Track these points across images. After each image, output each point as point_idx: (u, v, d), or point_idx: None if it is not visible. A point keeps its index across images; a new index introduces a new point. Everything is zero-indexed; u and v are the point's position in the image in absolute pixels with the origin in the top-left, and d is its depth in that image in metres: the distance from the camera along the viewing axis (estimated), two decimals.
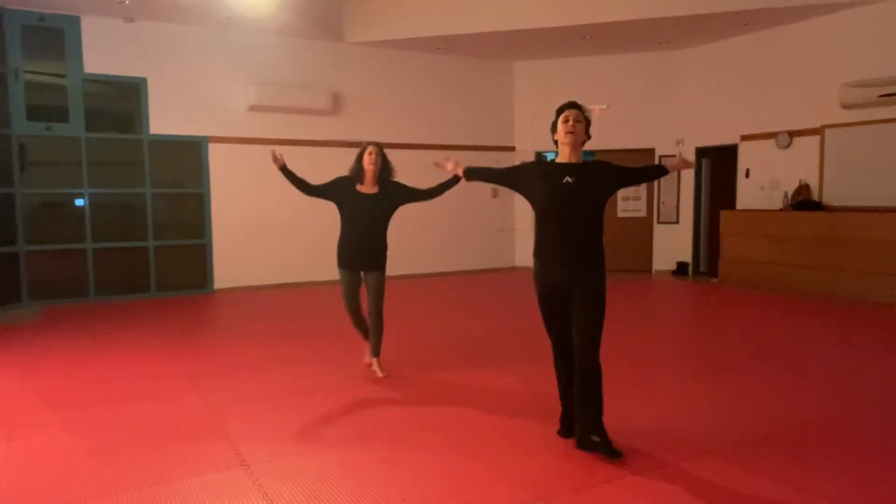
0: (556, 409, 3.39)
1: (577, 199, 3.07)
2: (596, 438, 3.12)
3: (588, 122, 3.20)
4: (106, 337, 5.94)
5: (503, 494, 2.75)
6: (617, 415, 3.68)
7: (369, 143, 4.39)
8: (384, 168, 4.38)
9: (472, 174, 3.52)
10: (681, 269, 9.92)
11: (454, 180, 4.12)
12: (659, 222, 10.30)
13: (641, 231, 10.42)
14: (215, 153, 8.51)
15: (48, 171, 7.81)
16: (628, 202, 10.54)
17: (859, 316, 6.68)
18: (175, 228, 8.43)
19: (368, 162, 4.31)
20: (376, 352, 4.57)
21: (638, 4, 7.95)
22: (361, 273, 4.46)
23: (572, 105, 3.19)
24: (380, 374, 4.51)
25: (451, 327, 6.33)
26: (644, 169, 3.33)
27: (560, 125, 3.16)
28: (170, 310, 7.35)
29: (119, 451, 3.26)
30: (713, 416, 3.70)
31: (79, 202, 7.87)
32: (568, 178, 3.07)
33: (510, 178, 3.38)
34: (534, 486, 2.82)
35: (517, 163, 3.29)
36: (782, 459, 3.08)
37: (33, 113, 7.56)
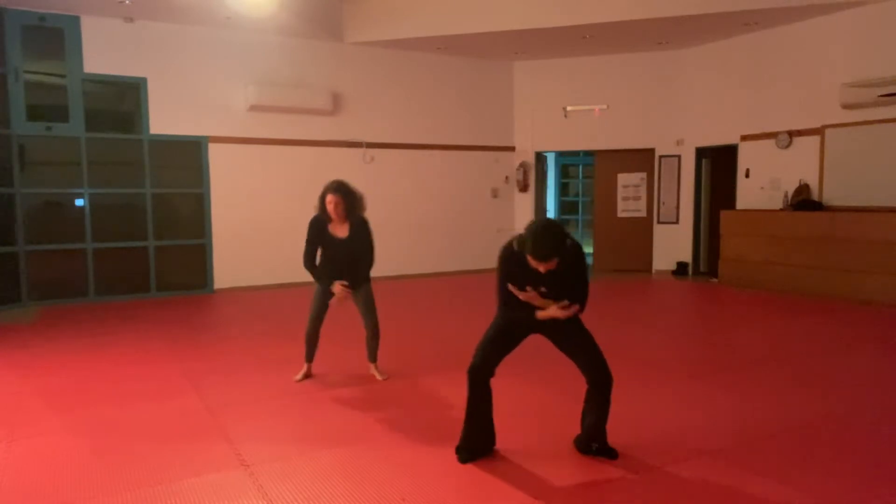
0: (556, 409, 3.39)
1: (552, 297, 2.96)
2: (595, 445, 3.13)
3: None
4: (106, 337, 5.94)
5: (502, 494, 2.75)
6: (617, 415, 3.68)
7: (329, 188, 4.23)
8: (351, 208, 4.30)
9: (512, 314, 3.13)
10: (681, 269, 9.92)
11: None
12: (659, 222, 10.30)
13: (641, 231, 10.42)
14: (215, 153, 8.51)
15: (48, 171, 7.81)
16: (628, 202, 10.54)
17: (859, 316, 6.68)
18: (175, 228, 8.43)
19: (331, 210, 4.22)
20: (373, 357, 4.60)
21: (638, 4, 7.94)
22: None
23: (550, 252, 2.79)
24: (379, 378, 4.53)
25: (450, 327, 6.33)
26: (577, 296, 3.00)
27: (533, 264, 2.86)
28: (170, 310, 7.35)
29: (119, 451, 3.26)
30: (713, 417, 3.70)
31: (79, 202, 7.87)
32: (543, 289, 2.96)
33: (511, 296, 3.04)
34: (533, 487, 2.82)
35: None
36: (782, 460, 3.08)
37: (33, 113, 7.56)
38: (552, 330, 3.08)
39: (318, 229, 4.34)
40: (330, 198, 4.20)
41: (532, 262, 2.86)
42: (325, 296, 4.44)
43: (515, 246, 2.93)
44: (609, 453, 3.12)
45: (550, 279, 2.93)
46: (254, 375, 4.62)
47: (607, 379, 3.06)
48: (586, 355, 3.06)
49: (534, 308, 3.00)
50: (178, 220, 8.46)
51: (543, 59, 10.38)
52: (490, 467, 3.02)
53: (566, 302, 2.95)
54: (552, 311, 2.94)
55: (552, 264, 2.82)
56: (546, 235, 2.80)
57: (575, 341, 3.08)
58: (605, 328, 6.38)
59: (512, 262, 2.98)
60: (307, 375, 4.56)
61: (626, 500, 2.71)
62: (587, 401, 3.15)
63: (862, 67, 7.55)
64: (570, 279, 3.00)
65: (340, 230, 4.33)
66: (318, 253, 4.41)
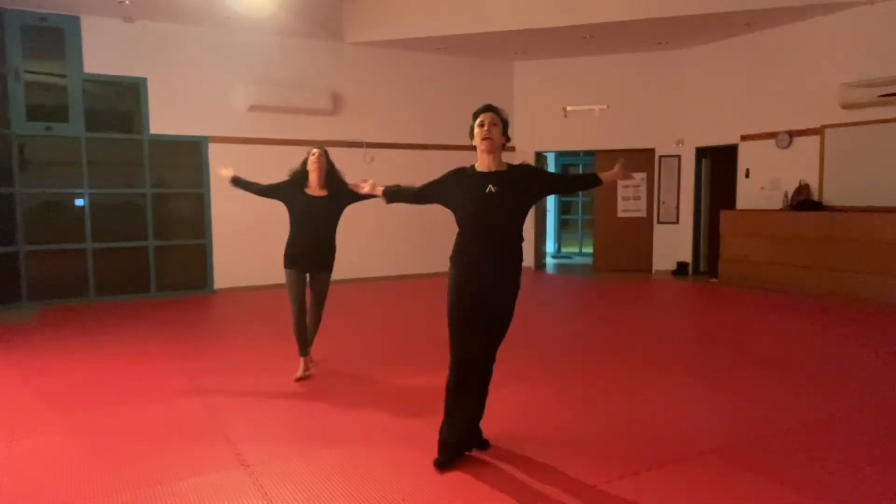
0: (556, 409, 3.38)
1: (499, 208, 2.96)
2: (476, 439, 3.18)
3: (506, 125, 3.08)
4: (106, 337, 5.94)
5: (502, 495, 2.75)
6: (617, 415, 3.69)
7: (314, 148, 4.38)
8: (331, 171, 4.35)
9: (392, 196, 3.37)
10: (681, 269, 9.92)
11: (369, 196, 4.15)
12: (659, 222, 10.30)
13: (641, 231, 10.42)
14: (215, 153, 8.50)
15: (48, 171, 7.81)
16: (628, 202, 10.54)
17: (859, 316, 6.68)
18: (175, 228, 8.43)
19: (312, 163, 4.27)
20: (305, 351, 4.50)
21: (638, 4, 7.95)
22: (307, 275, 4.45)
23: (487, 108, 3.09)
24: (299, 375, 4.46)
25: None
26: (575, 177, 3.25)
27: (476, 129, 3.05)
28: (170, 310, 7.35)
29: (119, 450, 3.26)
30: (713, 416, 3.70)
31: (79, 202, 7.87)
32: (490, 188, 2.96)
33: (430, 194, 3.21)
34: (533, 487, 2.82)
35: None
36: (782, 460, 3.08)
37: (33, 113, 7.56)
38: (490, 303, 2.99)
39: (293, 186, 4.33)
40: (315, 151, 4.30)
41: (477, 133, 3.05)
42: (299, 282, 4.41)
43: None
44: (481, 444, 3.15)
45: (500, 181, 2.98)
46: (254, 375, 4.62)
47: (488, 368, 3.07)
48: (488, 341, 3.03)
49: (411, 192, 3.27)
50: (178, 220, 8.46)
51: (543, 59, 10.38)
52: (490, 467, 3.02)
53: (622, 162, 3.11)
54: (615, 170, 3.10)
55: (492, 122, 3.03)
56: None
57: (491, 322, 3.01)
58: (605, 328, 6.39)
59: (460, 169, 3.14)
60: (306, 370, 4.53)
61: (626, 499, 2.71)
62: (469, 394, 3.07)
63: (862, 67, 7.55)
64: (526, 185, 3.06)
65: (318, 191, 4.34)
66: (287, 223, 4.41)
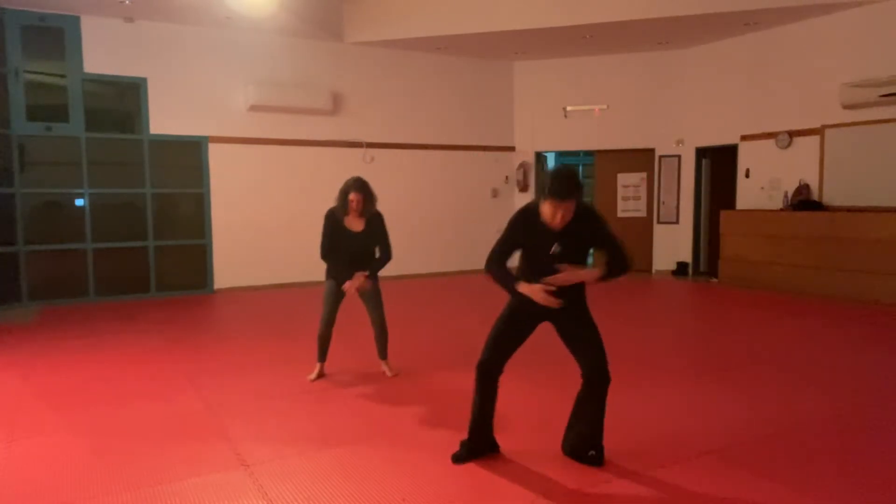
0: (555, 409, 3.38)
1: (565, 261, 2.95)
2: (592, 452, 3.06)
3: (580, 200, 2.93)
4: (106, 337, 5.94)
5: (503, 494, 2.75)
6: (617, 415, 3.68)
7: (352, 186, 4.37)
8: (368, 205, 4.46)
9: (496, 273, 3.07)
10: (681, 269, 9.91)
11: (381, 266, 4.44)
12: (659, 222, 10.29)
13: (641, 231, 10.42)
14: (215, 153, 8.51)
15: (48, 171, 7.81)
16: (628, 202, 10.54)
17: (859, 316, 6.68)
18: (175, 228, 8.43)
19: (353, 209, 4.39)
20: (383, 354, 4.67)
21: (638, 4, 7.95)
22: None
23: (566, 196, 2.82)
24: (389, 374, 4.61)
25: (450, 327, 6.33)
26: (614, 259, 3.01)
27: (549, 209, 2.86)
28: (170, 310, 7.35)
29: (119, 451, 3.26)
30: (713, 417, 3.70)
31: (79, 202, 7.87)
32: (556, 247, 2.95)
33: (509, 253, 3.06)
34: (533, 487, 2.82)
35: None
36: (782, 460, 3.08)
37: (33, 113, 7.56)
38: (560, 318, 3.02)
39: (333, 222, 4.46)
40: (353, 195, 4.36)
41: (548, 213, 2.86)
42: (337, 294, 4.49)
43: (539, 198, 2.93)
44: (598, 460, 3.04)
45: (563, 239, 2.93)
46: (254, 375, 4.62)
47: (605, 377, 3.00)
48: (588, 349, 3.01)
49: (515, 278, 2.97)
50: (178, 220, 8.46)
51: (543, 59, 10.38)
52: (491, 467, 3.02)
53: (562, 266, 2.91)
54: (559, 278, 2.88)
55: (567, 211, 2.83)
56: (564, 175, 2.87)
57: (580, 332, 3.03)
58: (605, 328, 6.38)
59: (526, 218, 2.99)
60: (320, 375, 4.57)
61: (626, 499, 2.71)
62: (579, 402, 3.09)
63: (862, 67, 7.55)
64: (589, 242, 3.03)
65: (356, 224, 4.46)
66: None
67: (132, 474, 2.98)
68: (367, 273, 4.39)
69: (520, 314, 3.05)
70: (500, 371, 3.08)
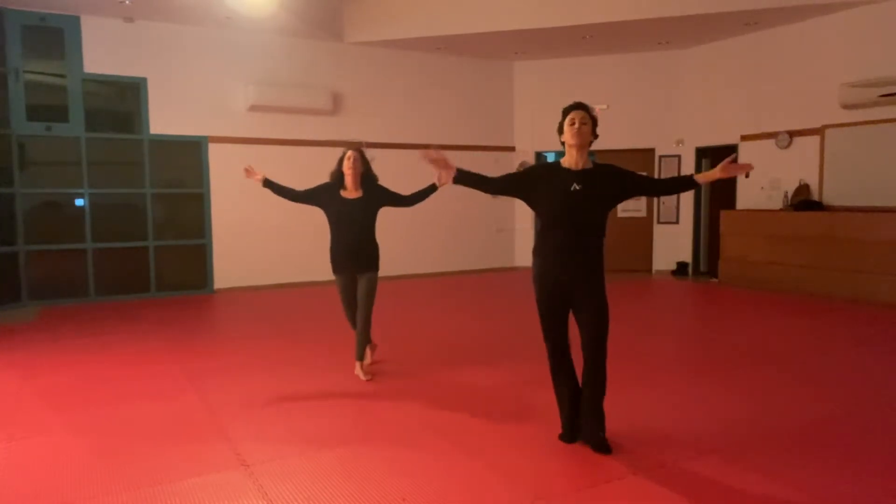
0: (555, 409, 3.38)
1: (583, 207, 3.03)
2: (601, 434, 3.18)
3: (595, 122, 3.15)
4: (106, 337, 5.94)
5: (503, 494, 2.75)
6: (617, 415, 3.68)
7: (348, 149, 4.38)
8: (366, 172, 4.39)
9: (463, 178, 3.25)
10: (681, 269, 9.91)
11: (432, 189, 4.28)
12: (659, 222, 10.30)
13: (641, 231, 10.42)
14: (215, 153, 8.51)
15: (48, 171, 7.81)
16: (628, 202, 10.53)
17: (859, 316, 6.68)
18: (175, 228, 8.43)
19: (348, 167, 4.32)
20: (360, 355, 4.48)
21: (638, 4, 7.94)
22: (356, 275, 4.45)
23: (578, 106, 3.14)
24: (363, 378, 4.43)
25: (450, 327, 6.32)
26: (666, 180, 3.23)
27: (567, 127, 3.11)
28: (170, 310, 7.35)
29: (119, 451, 3.26)
30: (713, 416, 3.70)
31: (79, 202, 7.87)
32: (575, 185, 3.03)
33: (512, 187, 3.24)
34: (534, 486, 2.82)
35: (517, 165, 3.16)
36: (783, 459, 3.08)
37: (33, 113, 7.56)
38: (578, 288, 3.10)
39: (329, 190, 4.37)
40: (350, 153, 4.33)
41: (567, 131, 3.10)
42: (349, 287, 4.43)
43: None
44: (605, 447, 3.14)
45: (585, 180, 3.04)
46: (254, 375, 4.62)
47: (599, 367, 3.12)
48: (591, 322, 3.09)
49: (487, 180, 3.20)
50: (178, 220, 8.46)
51: (543, 59, 10.38)
52: (490, 466, 3.02)
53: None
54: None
55: (584, 121, 3.07)
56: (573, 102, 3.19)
57: (590, 316, 3.10)
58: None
59: (546, 165, 3.23)
60: (367, 375, 4.44)
61: (626, 499, 2.71)
62: (583, 387, 3.20)
63: (862, 67, 7.55)
64: (611, 186, 3.10)
65: (353, 193, 4.37)
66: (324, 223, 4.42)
67: (132, 474, 2.98)
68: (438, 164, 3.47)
69: (546, 296, 3.15)
70: (567, 348, 3.21)
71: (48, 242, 7.74)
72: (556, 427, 3.36)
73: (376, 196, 4.42)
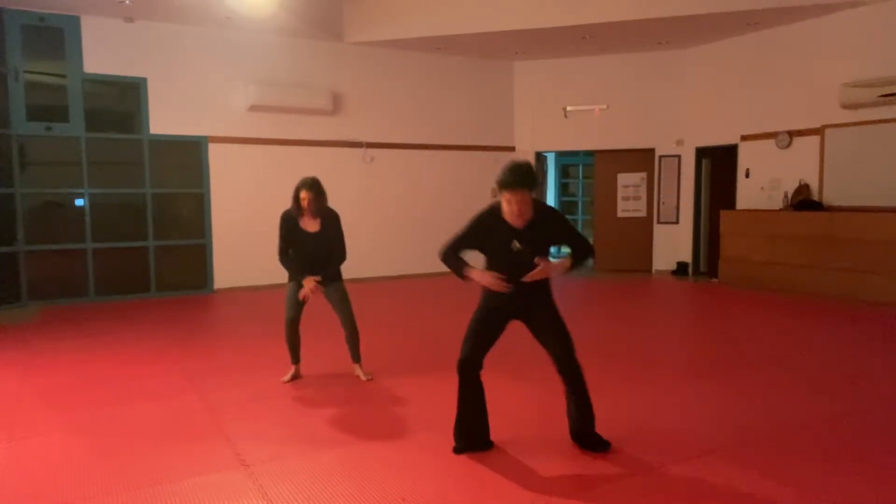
0: (556, 409, 3.38)
1: (526, 260, 3.04)
2: (588, 437, 3.21)
3: (534, 187, 3.00)
4: (106, 337, 5.94)
5: (503, 495, 2.75)
6: (617, 415, 3.68)
7: (302, 185, 4.38)
8: (321, 205, 4.42)
9: (448, 260, 3.24)
10: (681, 269, 9.91)
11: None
12: (659, 222, 10.29)
13: (641, 231, 10.42)
14: (215, 153, 8.51)
15: (48, 171, 7.81)
16: (628, 202, 10.54)
17: (859, 316, 6.68)
18: (175, 228, 8.43)
19: (304, 205, 4.37)
20: (356, 357, 4.57)
21: (638, 4, 7.94)
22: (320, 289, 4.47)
23: (518, 184, 2.92)
24: (363, 378, 4.50)
25: (450, 327, 6.31)
26: (577, 250, 3.18)
27: (504, 204, 3.01)
28: (170, 310, 7.35)
29: (119, 450, 3.26)
30: (713, 416, 3.70)
31: (79, 202, 7.87)
32: (516, 244, 3.06)
33: (465, 248, 3.21)
34: (534, 487, 2.82)
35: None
36: (783, 459, 3.08)
37: (33, 113, 7.56)
38: (529, 313, 3.16)
39: (289, 225, 4.46)
40: (303, 194, 4.36)
41: (505, 208, 2.99)
42: (298, 296, 4.46)
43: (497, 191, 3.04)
44: (602, 445, 3.18)
45: (526, 236, 3.05)
46: (254, 375, 4.62)
47: (575, 367, 3.13)
48: (557, 344, 3.13)
49: (465, 264, 3.14)
50: (178, 220, 8.46)
51: (543, 59, 10.38)
52: (490, 466, 3.02)
53: (538, 259, 3.03)
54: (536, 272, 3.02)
55: (523, 202, 2.94)
56: (517, 166, 2.97)
57: (548, 327, 3.15)
58: (605, 328, 6.39)
59: (489, 217, 3.12)
60: (295, 377, 4.55)
61: (626, 499, 2.71)
62: (566, 395, 3.23)
63: (862, 67, 7.55)
64: (550, 238, 3.16)
65: (311, 225, 4.44)
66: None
67: (132, 474, 2.98)
68: (318, 278, 4.31)
69: (491, 312, 3.17)
70: (479, 367, 3.17)
71: (48, 242, 7.74)
72: (556, 427, 3.36)
73: (330, 233, 4.46)
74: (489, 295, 3.17)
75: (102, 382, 4.49)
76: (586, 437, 3.21)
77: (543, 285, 3.16)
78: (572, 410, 3.22)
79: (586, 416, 3.19)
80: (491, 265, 3.16)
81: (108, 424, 3.65)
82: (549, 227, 3.12)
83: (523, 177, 2.93)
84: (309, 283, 4.33)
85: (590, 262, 3.26)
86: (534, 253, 3.05)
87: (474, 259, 3.18)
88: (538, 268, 3.01)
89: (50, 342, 5.72)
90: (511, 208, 2.99)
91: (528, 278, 3.02)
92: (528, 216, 3.02)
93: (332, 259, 4.45)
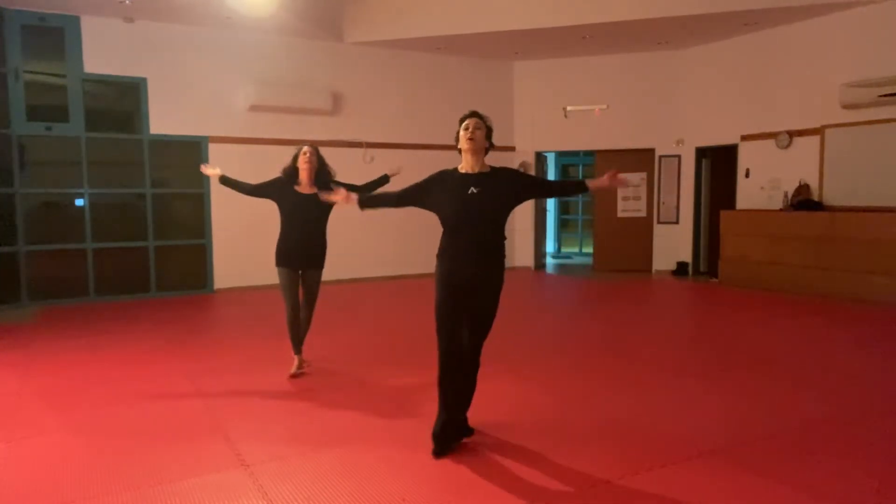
0: (556, 409, 3.38)
1: (482, 208, 3.08)
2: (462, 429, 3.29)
3: (489, 131, 3.21)
4: (106, 337, 5.94)
5: (503, 494, 2.75)
6: (616, 415, 3.69)
7: (304, 146, 4.42)
8: (321, 169, 4.42)
9: (367, 203, 3.41)
10: (681, 269, 9.92)
11: (384, 179, 4.54)
12: (659, 222, 10.30)
13: (641, 231, 10.42)
14: (215, 153, 8.50)
15: (48, 171, 7.81)
16: (628, 202, 10.54)
17: (859, 316, 6.68)
18: (175, 228, 8.42)
19: (303, 161, 4.35)
20: (299, 349, 4.57)
21: (638, 4, 7.95)
22: (300, 273, 4.51)
23: (473, 114, 3.22)
24: (293, 371, 4.50)
25: None
26: (561, 182, 3.34)
27: (461, 132, 3.17)
28: (170, 310, 7.35)
29: (119, 451, 3.26)
30: (713, 416, 3.70)
31: (79, 202, 7.87)
32: (473, 189, 3.09)
33: (411, 197, 3.27)
34: (534, 487, 2.82)
35: (517, 165, 3.21)
36: (782, 459, 3.08)
37: (33, 113, 7.56)
38: (475, 295, 3.14)
39: (283, 184, 4.41)
40: (305, 149, 4.38)
41: (462, 136, 3.14)
42: (292, 279, 4.48)
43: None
44: (467, 431, 3.28)
45: (483, 183, 3.10)
46: (254, 375, 4.62)
47: (475, 361, 3.21)
48: (473, 335, 3.17)
49: (391, 197, 3.30)
50: (178, 220, 8.46)
51: (543, 59, 10.38)
52: (490, 467, 3.02)
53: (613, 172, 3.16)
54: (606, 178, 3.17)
55: (478, 127, 3.13)
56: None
57: (478, 317, 3.16)
58: (605, 328, 6.39)
59: (443, 172, 3.24)
60: (300, 368, 4.56)
61: (626, 499, 2.71)
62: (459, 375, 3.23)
63: (862, 67, 7.55)
64: (508, 187, 3.17)
65: (307, 188, 4.42)
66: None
67: (132, 474, 2.98)
68: (340, 191, 3.62)
69: (449, 298, 3.14)
70: (460, 352, 3.18)
71: (48, 242, 7.74)
72: (558, 427, 3.37)
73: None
74: (440, 276, 3.16)
75: (102, 382, 4.49)
76: (456, 423, 3.22)
77: (498, 268, 3.17)
78: (458, 401, 3.21)
79: (463, 405, 3.25)
80: (447, 219, 3.14)
81: (108, 424, 3.65)
82: (506, 177, 3.20)
83: (478, 112, 3.25)
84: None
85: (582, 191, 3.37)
86: (492, 198, 3.07)
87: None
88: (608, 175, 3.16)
89: (50, 342, 5.72)
90: (465, 133, 3.12)
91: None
92: (482, 145, 3.14)
93: (323, 237, 4.44)
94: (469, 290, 3.12)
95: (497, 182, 3.14)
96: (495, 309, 3.20)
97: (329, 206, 4.43)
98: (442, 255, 3.18)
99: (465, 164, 3.19)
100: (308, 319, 4.60)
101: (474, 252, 3.11)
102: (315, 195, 4.34)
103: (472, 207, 3.07)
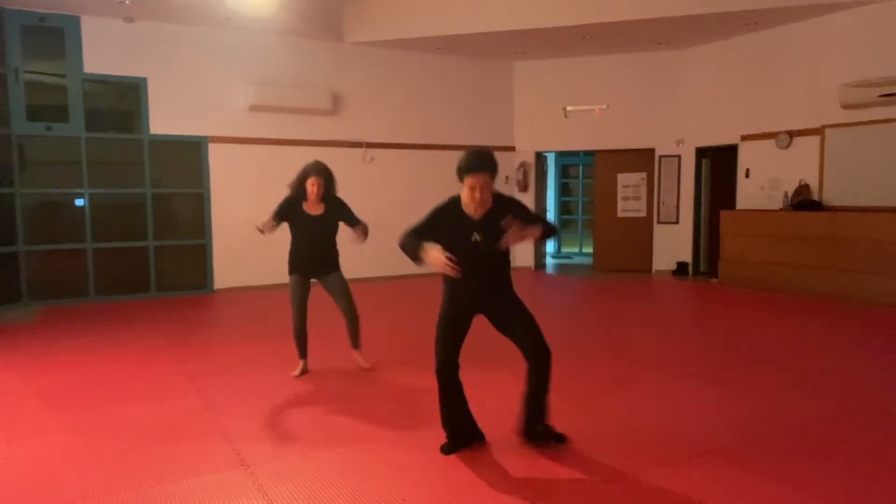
0: (556, 408, 3.38)
1: (485, 252, 3.05)
2: (540, 426, 3.20)
3: (495, 173, 3.00)
4: (106, 337, 5.94)
5: (503, 495, 2.75)
6: (616, 414, 3.69)
7: (312, 170, 4.38)
8: (327, 190, 4.44)
9: (405, 242, 3.12)
10: (681, 269, 9.92)
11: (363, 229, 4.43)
12: (659, 222, 10.29)
13: (641, 231, 10.42)
14: (215, 153, 8.51)
15: (48, 171, 7.81)
16: (628, 202, 10.54)
17: (859, 316, 6.68)
18: (175, 228, 8.43)
19: (311, 191, 4.38)
20: (356, 343, 4.69)
21: (638, 4, 7.94)
22: (314, 280, 4.56)
23: (480, 168, 2.95)
24: (364, 365, 4.63)
25: None
26: (543, 224, 3.16)
27: (466, 190, 3.00)
28: (170, 310, 7.35)
29: (119, 451, 3.26)
30: (713, 416, 3.70)
31: (79, 202, 7.87)
32: (476, 236, 3.04)
33: (424, 237, 3.08)
34: (534, 487, 2.82)
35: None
36: (782, 459, 3.08)
37: (33, 113, 7.56)
38: (492, 307, 3.15)
39: (291, 204, 4.47)
40: (313, 179, 4.35)
41: (466, 194, 2.99)
42: (303, 287, 4.52)
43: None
44: (556, 437, 3.20)
45: (484, 227, 3.02)
46: (254, 375, 4.62)
47: (546, 351, 3.10)
48: (525, 332, 3.12)
49: (421, 245, 2.98)
50: (178, 220, 8.46)
51: (543, 59, 10.38)
52: (490, 466, 3.02)
53: (509, 220, 2.95)
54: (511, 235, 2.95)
55: (485, 187, 2.93)
56: (477, 151, 3.01)
57: (513, 318, 3.15)
58: (605, 328, 6.39)
59: (448, 207, 3.10)
60: (304, 371, 4.62)
61: (627, 499, 2.71)
62: (528, 382, 3.17)
63: (862, 67, 7.55)
64: (509, 224, 3.03)
65: (315, 209, 4.46)
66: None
67: (132, 474, 2.98)
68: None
69: (456, 310, 3.15)
70: (456, 366, 3.16)
71: (48, 242, 7.74)
72: (558, 427, 3.36)
73: (337, 212, 4.51)
74: (451, 292, 3.15)
75: (102, 382, 4.49)
76: (537, 427, 3.18)
77: (504, 277, 3.18)
78: (531, 400, 3.15)
79: (543, 404, 3.17)
80: (452, 255, 3.10)
81: (108, 424, 3.65)
82: (506, 211, 3.07)
83: (487, 160, 2.96)
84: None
85: (555, 235, 3.24)
86: (494, 244, 3.02)
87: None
88: (509, 230, 2.92)
89: (50, 342, 5.72)
90: (473, 195, 2.96)
91: (503, 244, 2.96)
92: (488, 204, 3.04)
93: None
94: (479, 307, 3.15)
95: (498, 219, 3.00)
96: (518, 298, 3.18)
97: (336, 224, 4.52)
98: (447, 281, 3.15)
99: (468, 208, 3.06)
100: (353, 320, 4.62)
101: (479, 282, 3.11)
102: (322, 216, 4.45)
103: (476, 252, 3.05)
